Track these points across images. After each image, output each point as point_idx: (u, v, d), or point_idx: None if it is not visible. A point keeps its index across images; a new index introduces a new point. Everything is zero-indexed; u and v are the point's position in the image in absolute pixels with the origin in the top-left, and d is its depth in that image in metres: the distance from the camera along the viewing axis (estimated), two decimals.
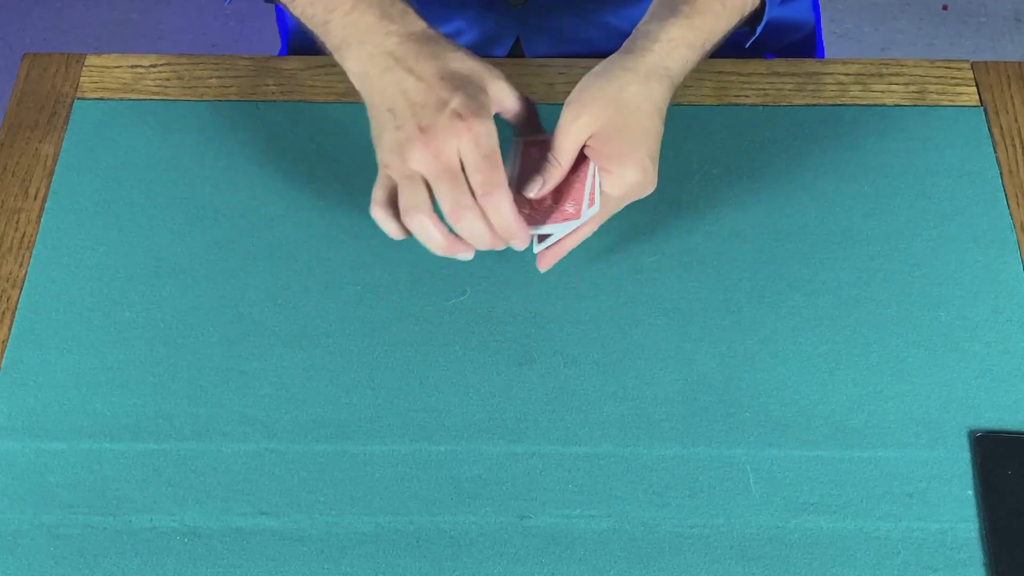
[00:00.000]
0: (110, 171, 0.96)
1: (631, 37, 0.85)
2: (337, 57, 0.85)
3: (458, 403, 0.84)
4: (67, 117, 0.99)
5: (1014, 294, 0.89)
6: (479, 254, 0.83)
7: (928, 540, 0.79)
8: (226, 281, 0.90)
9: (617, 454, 0.82)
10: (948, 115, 0.99)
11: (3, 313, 0.88)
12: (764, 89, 1.00)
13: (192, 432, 0.83)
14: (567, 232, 0.84)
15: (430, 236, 0.80)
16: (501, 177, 0.78)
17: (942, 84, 1.01)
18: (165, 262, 0.91)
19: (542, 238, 0.85)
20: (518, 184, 0.83)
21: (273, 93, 1.01)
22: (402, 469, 0.82)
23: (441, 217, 0.79)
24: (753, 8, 0.90)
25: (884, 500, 0.80)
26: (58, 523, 0.80)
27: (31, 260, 0.91)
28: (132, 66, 1.02)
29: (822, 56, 1.18)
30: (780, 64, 1.02)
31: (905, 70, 1.02)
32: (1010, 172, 0.95)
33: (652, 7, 0.87)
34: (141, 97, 1.00)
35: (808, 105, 0.99)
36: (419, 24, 0.83)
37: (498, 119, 0.81)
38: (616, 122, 0.81)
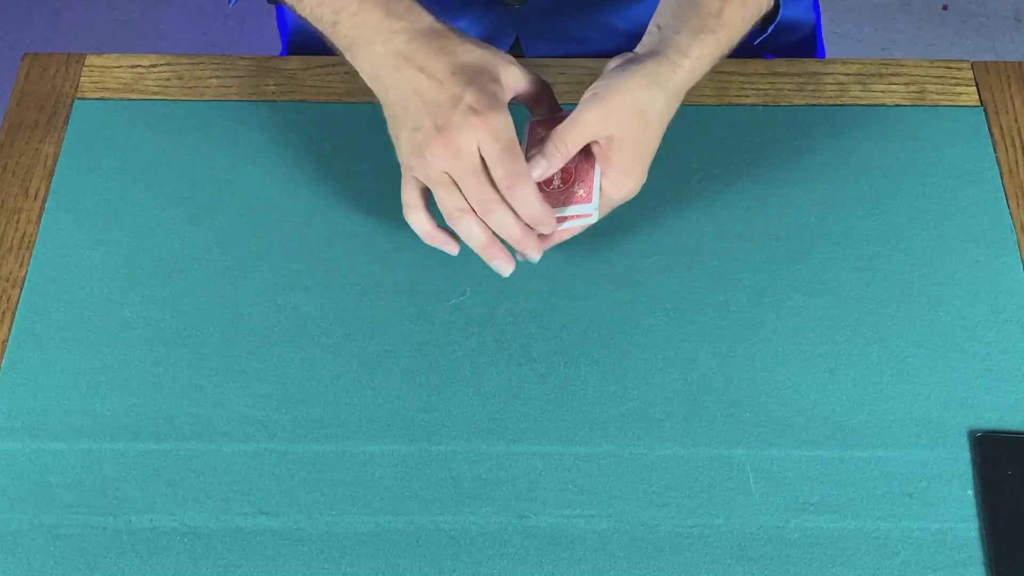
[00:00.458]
0: (110, 171, 0.96)
1: (659, 39, 0.84)
2: (349, 58, 0.85)
3: (458, 403, 0.84)
4: (67, 117, 0.99)
5: (1014, 294, 0.89)
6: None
7: (928, 540, 0.79)
8: (226, 281, 0.90)
9: (617, 454, 0.82)
10: (948, 115, 0.99)
11: (3, 313, 0.88)
12: (764, 89, 1.00)
13: (192, 432, 0.83)
14: (579, 214, 0.84)
15: (474, 235, 0.81)
16: (523, 168, 0.78)
17: (942, 84, 1.01)
18: (165, 262, 0.91)
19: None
20: None
21: (273, 93, 1.01)
22: (402, 469, 0.82)
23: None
24: (767, 11, 0.90)
25: (884, 500, 0.80)
26: (58, 523, 0.80)
27: (31, 260, 0.91)
28: (132, 66, 1.02)
29: (822, 56, 1.18)
30: (780, 64, 1.02)
31: (905, 70, 1.02)
32: (1010, 172, 0.95)
33: (676, 9, 0.85)
34: (141, 97, 1.00)
35: (808, 105, 0.99)
36: (426, 19, 0.82)
37: (515, 106, 0.81)
38: (635, 136, 0.81)
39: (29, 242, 0.92)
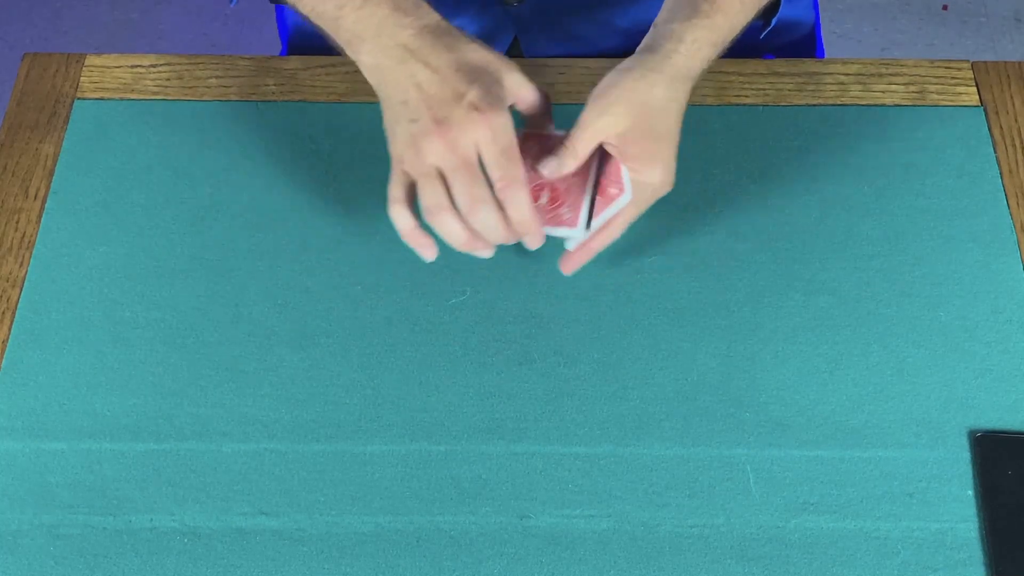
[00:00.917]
0: (110, 171, 0.96)
1: (652, 35, 0.85)
2: (349, 52, 0.84)
3: (458, 403, 0.84)
4: (67, 117, 0.99)
5: (1014, 294, 0.89)
6: (477, 257, 0.83)
7: (928, 540, 0.79)
8: (226, 281, 0.90)
9: (617, 454, 0.82)
10: (948, 115, 0.99)
11: (3, 313, 0.88)
12: (764, 89, 1.00)
13: (192, 432, 0.83)
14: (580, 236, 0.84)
15: (453, 232, 0.80)
16: (520, 171, 0.78)
17: (942, 84, 1.01)
18: (165, 262, 0.91)
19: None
20: None
21: (273, 93, 1.01)
22: (402, 469, 0.82)
23: None
24: (769, 1, 0.90)
25: (884, 500, 0.80)
26: (58, 523, 0.80)
27: (31, 260, 0.91)
28: (132, 66, 1.02)
29: (822, 56, 1.18)
30: (780, 64, 1.02)
31: (905, 70, 1.02)
32: (1010, 172, 0.95)
33: (671, 4, 0.86)
34: (141, 97, 1.00)
35: (808, 105, 0.99)
36: (433, 16, 0.82)
37: (513, 112, 0.81)
38: (643, 123, 0.81)
39: (29, 242, 0.92)
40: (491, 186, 0.78)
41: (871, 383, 0.85)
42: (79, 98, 1.00)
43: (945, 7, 2.22)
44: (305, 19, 0.88)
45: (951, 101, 1.00)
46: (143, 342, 0.87)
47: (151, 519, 0.80)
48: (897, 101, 1.00)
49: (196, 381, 0.85)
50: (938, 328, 0.88)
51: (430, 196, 0.79)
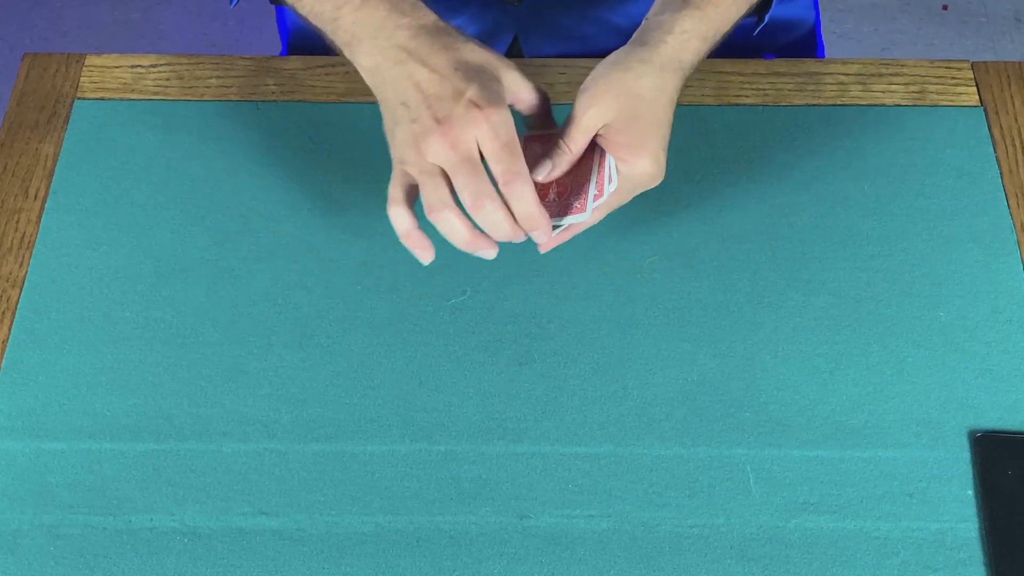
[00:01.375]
0: (110, 171, 0.96)
1: (642, 28, 0.85)
2: (347, 53, 0.84)
3: (458, 403, 0.84)
4: (67, 117, 0.99)
5: (1014, 294, 0.89)
6: (477, 257, 0.83)
7: (928, 540, 0.79)
8: (226, 281, 0.90)
9: (617, 454, 0.82)
10: (948, 115, 0.99)
11: (3, 313, 0.89)
12: (764, 89, 1.00)
13: (192, 432, 0.83)
14: (577, 222, 0.83)
15: (455, 230, 0.79)
16: (522, 166, 0.77)
17: (942, 84, 1.01)
18: (165, 262, 0.91)
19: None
20: None
21: (273, 93, 1.01)
22: (402, 469, 0.82)
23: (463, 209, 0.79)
24: None
25: (884, 500, 0.80)
26: (58, 523, 0.80)
27: (31, 260, 0.91)
28: (132, 66, 1.02)
29: (822, 56, 1.18)
30: (780, 64, 1.02)
31: (905, 70, 1.02)
32: (1010, 172, 0.95)
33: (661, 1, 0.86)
34: (141, 97, 1.00)
35: (808, 105, 0.99)
36: (430, 16, 0.82)
37: (513, 113, 0.80)
38: (631, 113, 0.81)
39: (29, 242, 0.92)
40: (495, 182, 0.78)
41: (871, 383, 0.85)
42: (79, 98, 1.00)
43: (945, 7, 2.22)
44: (303, 20, 0.88)
45: (951, 101, 1.00)
46: (143, 342, 0.87)
47: (151, 519, 0.80)
48: (897, 101, 1.00)
49: (196, 381, 0.85)
50: (938, 328, 0.88)
51: (432, 193, 0.78)
